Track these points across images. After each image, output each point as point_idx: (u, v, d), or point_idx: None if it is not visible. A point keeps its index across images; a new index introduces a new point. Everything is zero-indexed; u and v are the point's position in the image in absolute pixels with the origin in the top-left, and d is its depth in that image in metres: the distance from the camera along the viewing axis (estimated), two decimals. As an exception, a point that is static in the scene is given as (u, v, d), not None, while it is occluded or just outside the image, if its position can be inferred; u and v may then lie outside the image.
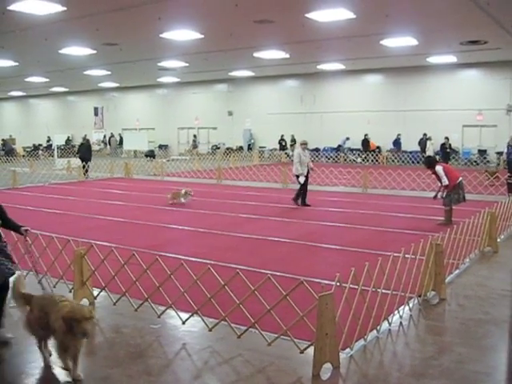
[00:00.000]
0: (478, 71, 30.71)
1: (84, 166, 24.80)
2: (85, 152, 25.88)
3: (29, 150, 44.98)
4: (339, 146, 34.65)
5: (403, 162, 31.39)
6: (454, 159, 29.76)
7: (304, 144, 15.75)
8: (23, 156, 39.34)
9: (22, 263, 7.37)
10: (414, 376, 4.96)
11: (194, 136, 42.48)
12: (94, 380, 4.98)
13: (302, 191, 15.53)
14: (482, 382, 4.89)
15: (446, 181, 12.33)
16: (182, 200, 16.25)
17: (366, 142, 33.56)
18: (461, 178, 12.57)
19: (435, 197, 12.76)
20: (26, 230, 6.32)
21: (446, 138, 25.82)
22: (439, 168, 12.49)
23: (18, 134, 48.24)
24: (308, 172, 15.50)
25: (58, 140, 37.25)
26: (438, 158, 28.08)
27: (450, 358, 5.31)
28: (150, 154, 37.31)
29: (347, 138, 34.59)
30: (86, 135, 30.14)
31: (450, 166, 13.33)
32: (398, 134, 32.75)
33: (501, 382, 4.83)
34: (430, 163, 12.96)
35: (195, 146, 41.90)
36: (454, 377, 4.92)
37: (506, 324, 6.17)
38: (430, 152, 31.19)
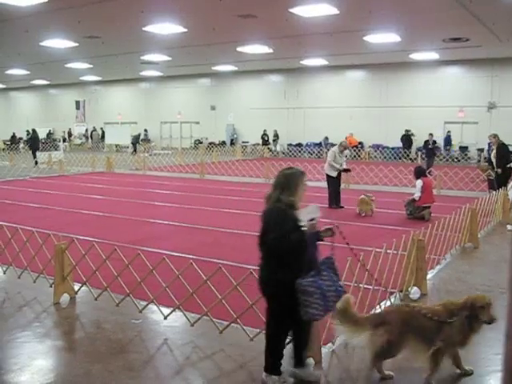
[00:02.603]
0: (459, 68, 30.93)
1: (35, 156, 27.77)
2: (33, 143, 29.02)
3: (8, 143, 44.35)
4: (320, 143, 34.64)
5: (385, 157, 31.54)
6: (436, 156, 29.88)
7: (343, 147, 14.63)
8: (3, 149, 38.83)
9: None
10: (395, 370, 4.99)
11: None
12: (75, 376, 4.93)
13: (334, 193, 14.44)
14: (458, 376, 4.93)
15: (417, 195, 12.66)
16: (372, 208, 13.20)
17: (407, 138, 31.51)
18: (431, 205, 12.67)
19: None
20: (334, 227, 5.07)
21: (430, 135, 25.44)
22: (419, 182, 12.76)
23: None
24: (340, 173, 14.53)
25: (39, 134, 36.83)
26: (421, 154, 28.35)
27: (430, 352, 5.33)
28: (136, 142, 37.83)
29: (326, 138, 34.46)
30: (34, 128, 30.65)
31: (430, 186, 13.17)
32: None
33: (475, 376, 4.88)
34: (415, 172, 13.22)
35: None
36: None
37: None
38: (413, 148, 31.44)
